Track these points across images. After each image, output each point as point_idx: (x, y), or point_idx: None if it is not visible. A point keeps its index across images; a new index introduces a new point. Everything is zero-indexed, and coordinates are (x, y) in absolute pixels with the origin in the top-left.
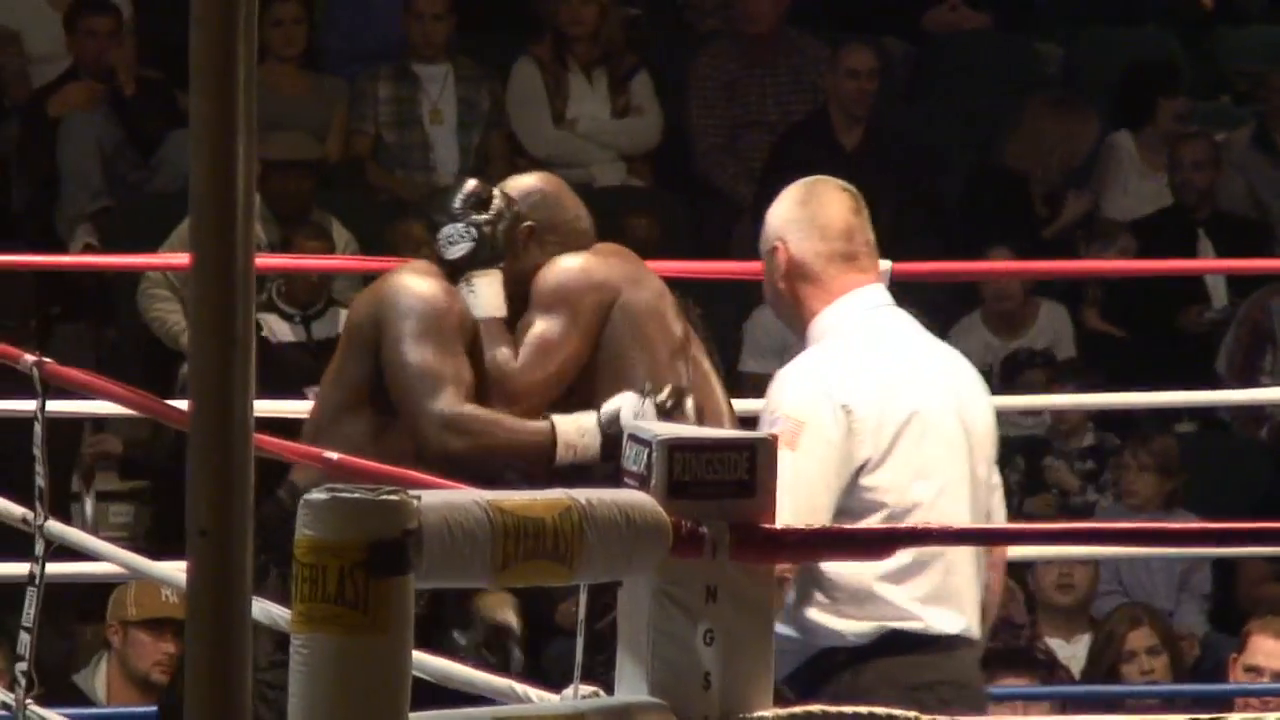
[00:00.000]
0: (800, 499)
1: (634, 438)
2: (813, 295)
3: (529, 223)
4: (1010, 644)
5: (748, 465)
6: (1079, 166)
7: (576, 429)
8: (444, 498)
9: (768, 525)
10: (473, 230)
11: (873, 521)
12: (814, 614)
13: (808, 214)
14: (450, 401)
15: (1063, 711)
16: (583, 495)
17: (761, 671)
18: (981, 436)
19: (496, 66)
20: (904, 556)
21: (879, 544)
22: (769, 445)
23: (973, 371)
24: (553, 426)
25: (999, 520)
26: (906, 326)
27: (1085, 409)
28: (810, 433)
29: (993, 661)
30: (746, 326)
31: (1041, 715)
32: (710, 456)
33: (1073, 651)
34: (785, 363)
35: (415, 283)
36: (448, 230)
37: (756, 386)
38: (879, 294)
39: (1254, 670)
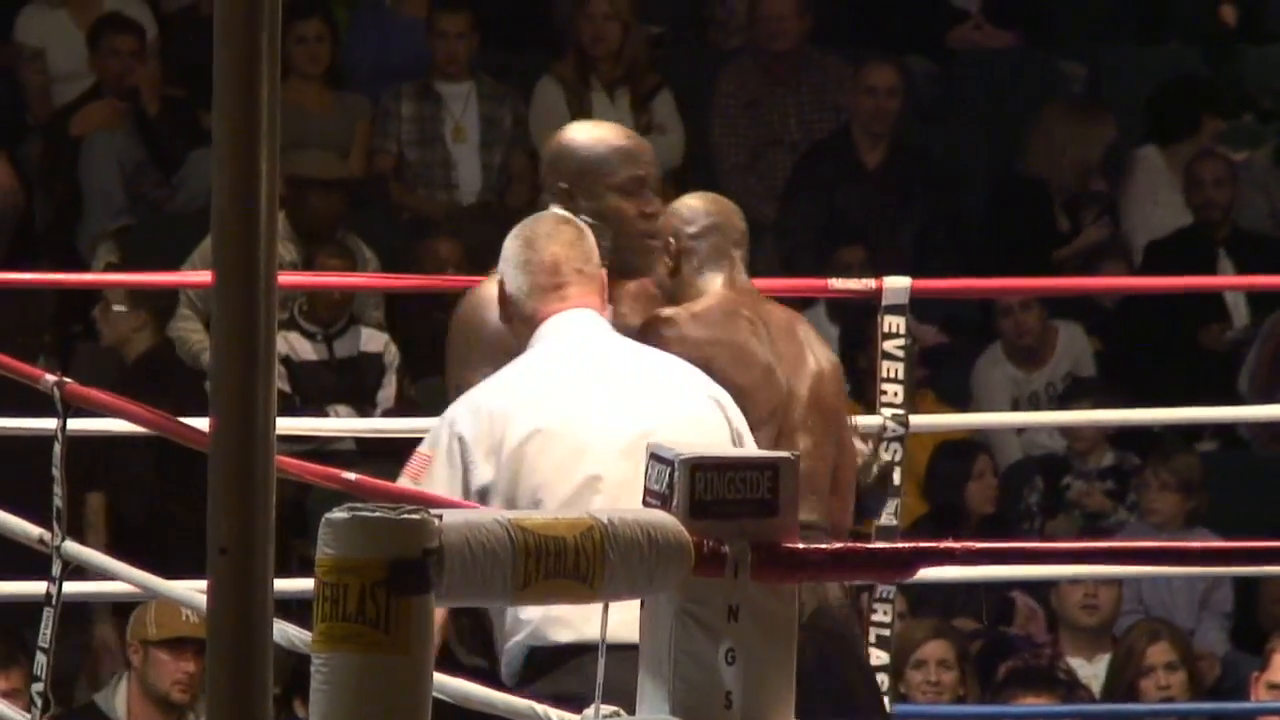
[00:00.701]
0: None
1: (656, 457)
2: (522, 330)
3: (563, 184)
4: (1031, 663)
5: (770, 484)
6: (1100, 177)
7: None
8: (465, 517)
9: (790, 544)
10: None
11: None
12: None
13: (517, 249)
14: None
15: None
16: (605, 515)
17: (783, 691)
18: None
19: (519, 85)
20: None
21: (901, 563)
22: (791, 465)
23: (684, 386)
24: None
25: None
26: (585, 348)
27: (1106, 427)
28: (436, 464)
29: (1013, 681)
30: None
31: None
32: (732, 475)
33: (1094, 671)
34: None
35: (465, 302)
36: None
37: None
38: (573, 319)
39: (1278, 688)
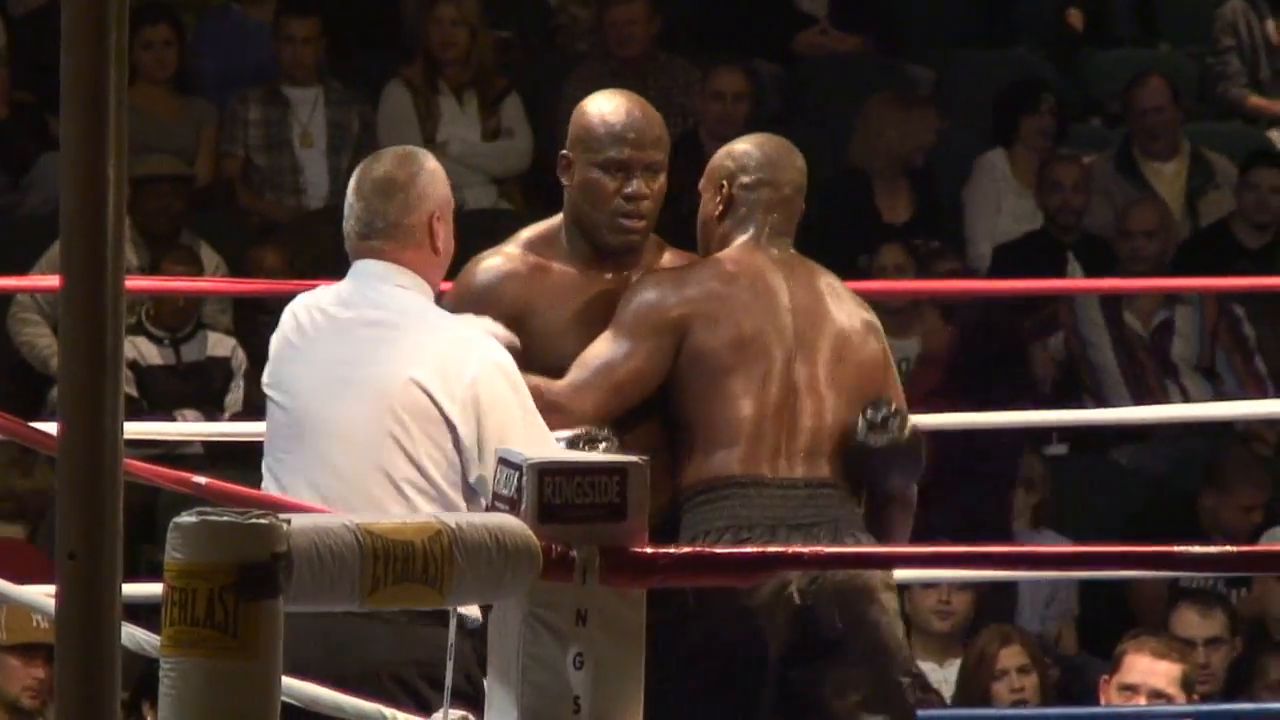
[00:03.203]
0: None
1: (504, 461)
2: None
3: (565, 151)
4: None
5: (618, 489)
6: (920, 169)
7: None
8: (313, 521)
9: (638, 549)
10: None
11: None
12: None
13: (349, 189)
14: None
15: None
16: (453, 519)
17: (632, 694)
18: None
19: (367, 89)
20: None
21: (753, 566)
22: (640, 469)
23: (395, 364)
24: None
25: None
26: (350, 306)
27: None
28: None
29: None
30: None
31: None
32: (581, 480)
33: (945, 675)
34: None
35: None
36: None
37: None
38: (362, 271)
39: (1129, 689)
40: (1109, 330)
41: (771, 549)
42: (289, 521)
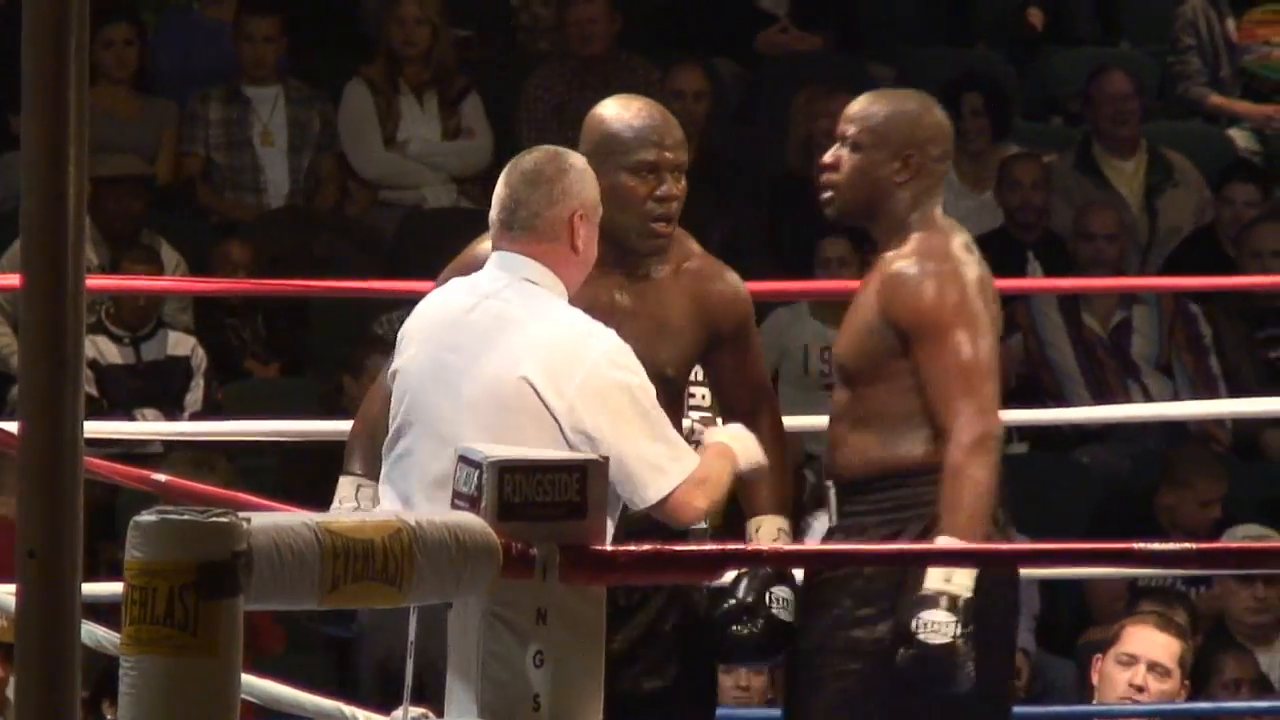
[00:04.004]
0: None
1: (464, 459)
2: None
3: (585, 153)
4: None
5: (578, 487)
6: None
7: None
8: (273, 520)
9: (598, 547)
10: None
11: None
12: None
13: (499, 179)
14: None
15: None
16: (412, 517)
17: (591, 692)
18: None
19: (327, 88)
20: None
21: (712, 564)
22: (599, 466)
23: (503, 363)
24: None
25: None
26: (476, 301)
27: None
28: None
29: None
30: None
31: None
32: (541, 478)
33: None
34: None
35: None
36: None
37: None
38: (497, 262)
39: (1129, 657)
40: (1067, 331)
41: (730, 546)
42: (249, 520)
